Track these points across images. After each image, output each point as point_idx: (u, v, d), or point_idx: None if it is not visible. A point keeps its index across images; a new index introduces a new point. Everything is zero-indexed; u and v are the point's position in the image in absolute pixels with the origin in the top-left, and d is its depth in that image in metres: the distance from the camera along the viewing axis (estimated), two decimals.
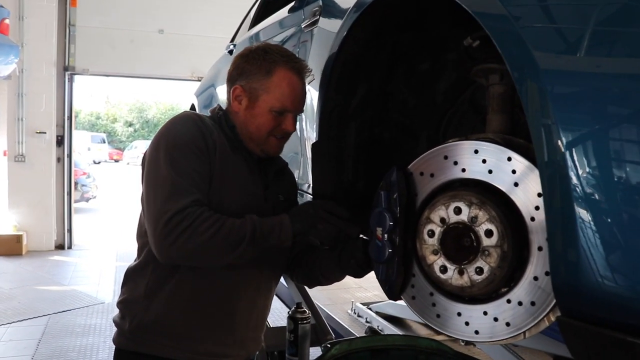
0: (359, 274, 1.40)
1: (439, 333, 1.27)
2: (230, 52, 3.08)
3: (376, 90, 1.56)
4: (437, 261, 1.18)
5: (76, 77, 7.49)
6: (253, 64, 1.43)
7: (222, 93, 3.24)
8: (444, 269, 1.17)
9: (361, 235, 1.40)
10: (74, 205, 7.77)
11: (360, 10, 1.34)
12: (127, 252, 6.71)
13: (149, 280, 1.41)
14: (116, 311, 1.49)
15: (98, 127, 37.33)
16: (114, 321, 1.48)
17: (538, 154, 0.89)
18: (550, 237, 0.88)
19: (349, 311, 4.87)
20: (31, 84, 6.82)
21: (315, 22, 1.66)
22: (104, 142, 31.44)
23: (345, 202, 1.54)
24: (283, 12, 2.27)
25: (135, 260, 1.49)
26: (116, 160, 31.51)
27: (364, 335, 1.52)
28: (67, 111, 7.27)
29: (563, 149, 0.83)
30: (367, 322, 4.47)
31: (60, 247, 7.31)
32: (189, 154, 1.32)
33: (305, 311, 1.71)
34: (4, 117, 6.89)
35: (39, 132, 6.93)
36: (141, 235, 1.45)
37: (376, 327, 4.27)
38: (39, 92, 6.88)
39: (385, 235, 1.23)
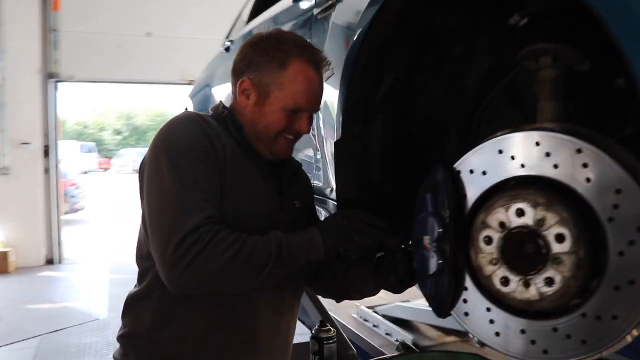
0: (399, 289, 1.24)
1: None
2: (227, 49, 2.92)
3: (403, 80, 1.40)
4: (497, 272, 1.02)
5: (62, 84, 7.26)
6: (264, 55, 1.26)
7: (218, 93, 3.07)
8: (505, 281, 1.01)
9: (402, 246, 1.24)
10: (62, 217, 7.53)
11: None
12: (121, 264, 6.50)
13: (154, 312, 1.23)
14: (113, 340, 1.31)
15: (86, 136, 36.92)
16: (115, 358, 1.30)
17: None
18: None
19: (354, 315, 4.70)
20: (13, 92, 6.58)
21: (330, 7, 1.50)
22: (93, 151, 31.07)
23: (371, 206, 1.39)
24: (287, 1, 2.11)
25: (135, 287, 1.30)
26: (105, 169, 31.19)
27: (398, 353, 1.37)
28: (53, 120, 7.04)
29: None
30: (374, 326, 4.32)
31: (50, 261, 7.05)
32: (195, 162, 1.15)
33: (330, 329, 1.54)
34: None
35: (23, 143, 6.69)
36: (142, 257, 1.27)
37: (384, 332, 4.13)
38: (22, 100, 6.63)
39: (434, 244, 1.07)
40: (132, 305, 1.28)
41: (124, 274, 5.91)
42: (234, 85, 1.31)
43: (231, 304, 1.22)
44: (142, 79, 7.81)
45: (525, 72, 1.34)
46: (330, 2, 1.50)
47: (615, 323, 0.93)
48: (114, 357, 1.30)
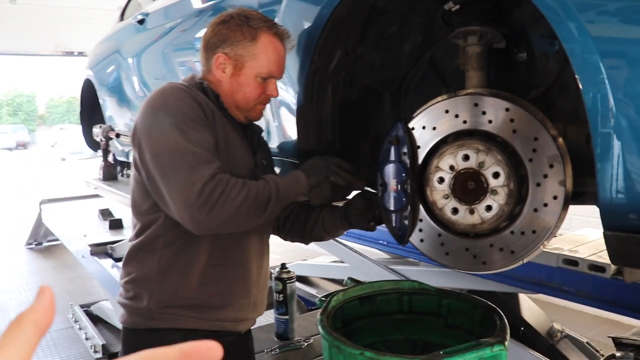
0: (368, 228, 1.49)
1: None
2: (141, 21, 2.92)
3: (349, 52, 1.64)
4: (448, 204, 1.32)
5: None
6: (237, 31, 1.42)
7: (135, 62, 3.07)
8: (454, 211, 1.31)
9: (366, 189, 1.50)
10: None
11: None
12: None
13: (160, 257, 1.37)
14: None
15: None
16: (122, 303, 1.42)
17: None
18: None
19: None
20: None
21: None
22: None
23: None
24: None
25: (134, 239, 1.43)
26: None
27: (352, 284, 1.63)
28: None
29: None
30: None
31: None
32: (195, 125, 1.31)
33: (290, 271, 1.76)
34: None
35: None
36: (141, 213, 1.40)
37: None
38: None
39: (399, 185, 1.33)
40: (136, 254, 1.41)
41: None
42: (208, 59, 1.45)
43: (226, 244, 1.41)
44: (8, 50, 7.15)
45: (447, 47, 1.64)
46: None
47: (534, 236, 1.27)
48: (120, 302, 1.42)
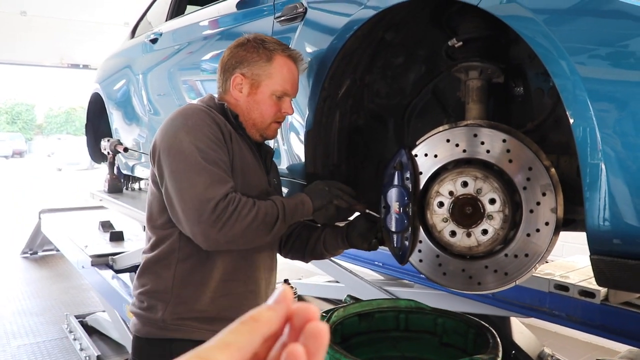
0: (369, 249, 1.57)
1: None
2: (154, 40, 3.02)
3: (357, 81, 1.74)
4: (447, 227, 1.40)
5: None
6: (253, 52, 1.52)
7: (143, 80, 3.17)
8: (453, 234, 1.40)
9: (368, 211, 1.58)
10: None
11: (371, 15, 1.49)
12: None
13: (176, 271, 1.44)
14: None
15: None
16: (135, 313, 1.49)
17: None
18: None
19: None
20: None
21: (297, 17, 1.78)
22: None
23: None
24: (226, 5, 2.33)
25: (148, 252, 1.50)
26: None
27: (351, 302, 1.70)
28: None
29: None
30: None
31: None
32: (212, 145, 1.39)
33: (293, 287, 1.84)
34: None
35: None
36: (156, 227, 1.48)
37: None
38: None
39: (401, 208, 1.42)
40: (151, 267, 1.48)
41: None
42: (225, 81, 1.55)
43: (238, 260, 1.48)
44: (16, 60, 7.26)
45: (449, 79, 1.74)
46: (298, 12, 1.78)
47: (526, 259, 1.35)
48: (134, 312, 1.49)
